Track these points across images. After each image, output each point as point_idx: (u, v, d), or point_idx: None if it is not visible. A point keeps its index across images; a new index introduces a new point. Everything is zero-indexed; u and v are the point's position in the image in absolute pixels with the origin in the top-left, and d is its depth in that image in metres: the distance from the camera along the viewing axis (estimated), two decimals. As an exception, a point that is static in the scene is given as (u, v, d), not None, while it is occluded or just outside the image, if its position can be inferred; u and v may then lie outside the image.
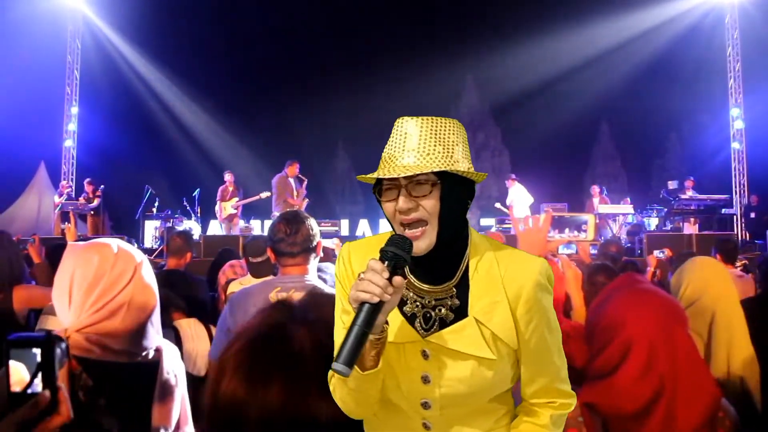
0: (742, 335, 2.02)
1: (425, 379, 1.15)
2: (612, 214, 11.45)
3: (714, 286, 2.07)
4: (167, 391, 1.39)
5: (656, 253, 4.63)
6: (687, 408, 1.24)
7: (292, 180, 9.62)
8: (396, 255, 1.05)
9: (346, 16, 18.17)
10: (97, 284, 1.35)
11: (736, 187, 13.54)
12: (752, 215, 12.29)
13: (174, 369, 1.43)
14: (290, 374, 1.20)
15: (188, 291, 3.11)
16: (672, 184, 12.07)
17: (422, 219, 1.09)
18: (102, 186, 11.14)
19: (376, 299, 0.99)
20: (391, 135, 1.13)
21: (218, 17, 16.89)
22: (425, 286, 1.17)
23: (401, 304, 1.18)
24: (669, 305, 1.36)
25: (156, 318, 1.42)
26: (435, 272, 1.17)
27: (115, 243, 1.43)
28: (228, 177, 10.63)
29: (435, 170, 1.07)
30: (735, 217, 12.18)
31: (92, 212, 10.94)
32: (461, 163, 1.11)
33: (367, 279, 1.01)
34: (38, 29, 12.56)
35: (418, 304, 1.18)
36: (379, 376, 1.11)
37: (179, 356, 1.49)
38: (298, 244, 2.17)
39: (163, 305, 2.87)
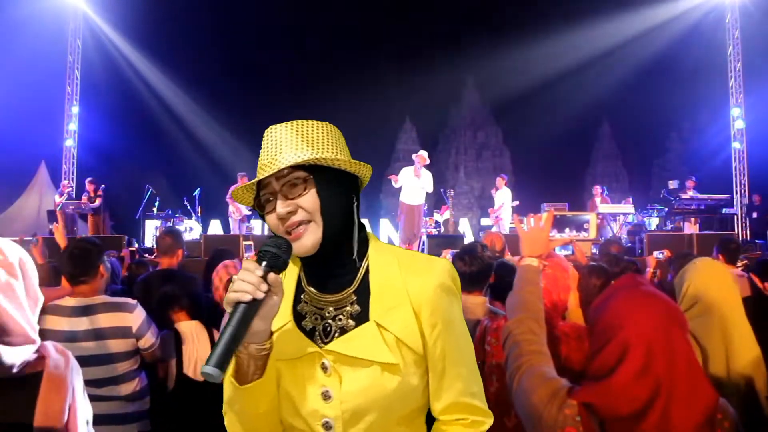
0: (746, 336, 2.02)
1: (325, 395, 1.06)
2: (613, 213, 11.44)
3: (715, 288, 2.07)
4: (50, 409, 1.22)
5: (655, 254, 4.64)
6: (683, 410, 1.25)
7: None
8: (273, 254, 1.00)
9: (347, 17, 18.19)
10: None
11: (736, 186, 13.54)
12: (755, 215, 12.25)
13: (61, 383, 1.26)
14: None
15: (183, 289, 3.09)
16: (673, 184, 12.06)
17: (304, 220, 1.05)
18: (103, 185, 11.16)
19: (248, 297, 0.95)
20: (262, 145, 1.09)
21: (219, 17, 16.90)
22: (323, 296, 1.12)
23: (299, 319, 1.12)
24: (668, 308, 1.36)
25: (16, 327, 1.23)
26: (333, 279, 1.12)
27: None
28: (242, 179, 10.79)
29: (300, 161, 1.03)
30: (736, 216, 12.18)
31: (92, 212, 10.95)
32: (330, 156, 1.07)
33: (239, 278, 0.97)
34: (39, 28, 12.57)
35: (317, 316, 1.11)
36: (264, 393, 1.04)
37: (66, 362, 1.32)
38: None
39: (164, 304, 2.87)
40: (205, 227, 12.17)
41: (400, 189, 9.47)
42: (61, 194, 11.57)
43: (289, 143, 1.07)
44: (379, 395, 1.05)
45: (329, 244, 1.08)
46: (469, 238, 10.93)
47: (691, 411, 1.22)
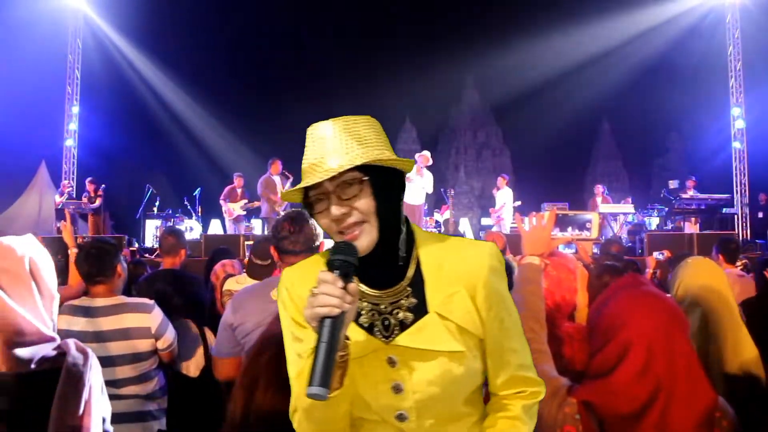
0: (741, 335, 2.02)
1: (396, 389, 1.09)
2: (613, 213, 11.44)
3: (704, 285, 2.07)
4: (66, 405, 1.28)
5: (655, 254, 4.65)
6: (682, 410, 1.25)
7: (276, 177, 9.79)
8: (344, 262, 0.99)
9: (347, 17, 18.19)
10: None
11: (737, 186, 13.52)
12: (760, 215, 12.12)
13: (78, 380, 1.32)
14: None
15: (186, 290, 3.09)
16: (673, 184, 12.05)
17: (358, 221, 1.05)
18: (103, 185, 11.16)
19: (336, 311, 0.95)
20: (306, 144, 1.08)
21: (219, 17, 16.90)
22: (378, 292, 1.12)
23: (356, 317, 1.11)
24: (670, 309, 1.36)
25: (29, 327, 1.30)
26: (385, 274, 1.12)
27: None
28: (238, 180, 10.74)
29: (358, 164, 1.02)
30: (736, 216, 12.16)
31: (93, 212, 10.95)
32: (383, 155, 1.07)
33: (321, 292, 0.95)
34: (39, 28, 12.56)
35: (373, 312, 1.12)
36: (346, 398, 1.05)
37: (86, 360, 1.36)
38: (301, 243, 2.20)
39: (165, 305, 2.87)
40: (205, 227, 12.16)
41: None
42: (62, 194, 11.57)
43: (338, 142, 1.05)
44: (449, 382, 1.09)
45: (385, 244, 1.08)
46: (469, 238, 10.89)
47: (690, 411, 1.22)
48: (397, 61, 18.29)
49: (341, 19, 18.20)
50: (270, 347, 1.32)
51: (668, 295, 2.21)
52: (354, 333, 1.09)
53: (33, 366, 1.28)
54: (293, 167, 10.48)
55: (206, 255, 8.36)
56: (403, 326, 1.10)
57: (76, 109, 14.11)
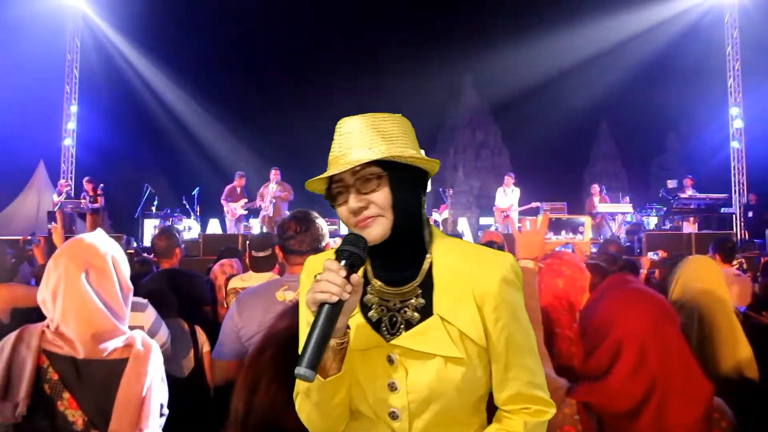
0: (738, 336, 2.02)
1: (392, 387, 1.09)
2: (611, 213, 11.45)
3: (701, 283, 2.08)
4: (130, 389, 1.46)
5: (649, 254, 4.67)
6: (679, 406, 1.25)
7: (273, 185, 10.13)
8: (352, 253, 1.02)
9: (347, 16, 18.18)
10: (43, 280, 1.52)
11: (735, 186, 13.54)
12: (750, 214, 12.24)
13: (142, 369, 1.50)
14: None
15: (186, 289, 3.08)
16: (671, 183, 12.05)
17: (375, 215, 1.07)
18: (102, 185, 11.13)
19: (335, 298, 0.97)
20: (334, 137, 1.11)
21: (218, 16, 16.88)
22: (389, 289, 1.14)
23: (365, 310, 1.14)
24: (659, 304, 1.37)
25: (109, 325, 1.48)
26: (398, 272, 1.14)
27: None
28: (239, 179, 10.79)
29: (376, 158, 1.04)
30: (734, 216, 12.18)
31: (92, 211, 10.92)
32: (405, 152, 1.08)
33: (324, 279, 0.98)
34: (38, 28, 12.55)
35: (383, 308, 1.13)
36: (342, 384, 1.07)
37: (148, 352, 1.54)
38: (307, 243, 2.20)
39: (158, 304, 2.86)
40: (203, 226, 12.14)
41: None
42: (60, 193, 11.54)
43: (363, 137, 1.08)
44: (444, 387, 1.08)
45: (397, 238, 1.09)
46: (467, 238, 10.94)
47: (688, 404, 1.23)
48: (395, 61, 18.28)
49: (341, 19, 18.20)
50: (272, 345, 1.33)
51: (661, 292, 2.22)
52: (360, 326, 1.11)
53: (105, 355, 1.48)
54: (292, 168, 10.51)
55: (205, 254, 8.38)
56: (409, 325, 1.10)
57: (74, 109, 14.08)
